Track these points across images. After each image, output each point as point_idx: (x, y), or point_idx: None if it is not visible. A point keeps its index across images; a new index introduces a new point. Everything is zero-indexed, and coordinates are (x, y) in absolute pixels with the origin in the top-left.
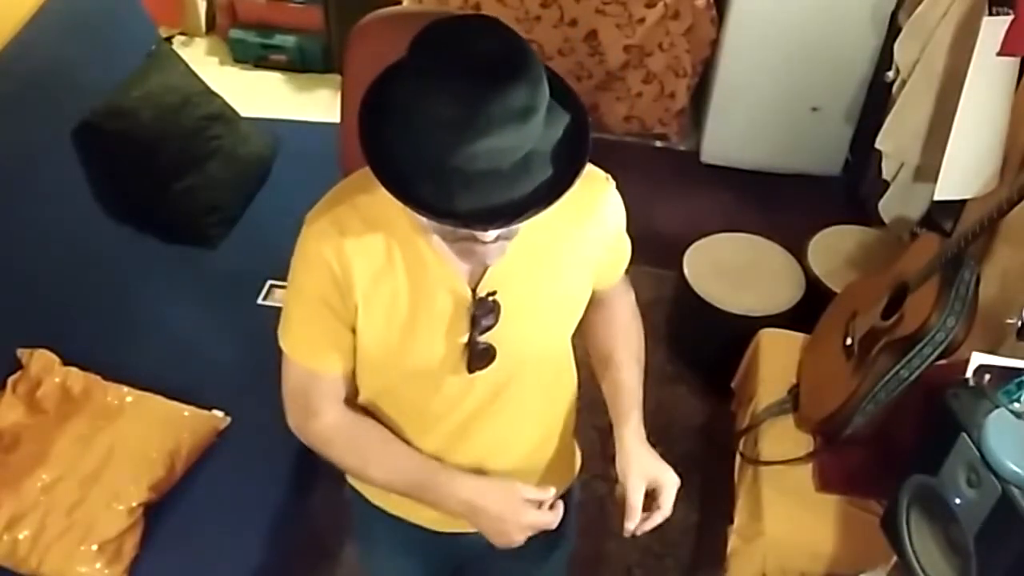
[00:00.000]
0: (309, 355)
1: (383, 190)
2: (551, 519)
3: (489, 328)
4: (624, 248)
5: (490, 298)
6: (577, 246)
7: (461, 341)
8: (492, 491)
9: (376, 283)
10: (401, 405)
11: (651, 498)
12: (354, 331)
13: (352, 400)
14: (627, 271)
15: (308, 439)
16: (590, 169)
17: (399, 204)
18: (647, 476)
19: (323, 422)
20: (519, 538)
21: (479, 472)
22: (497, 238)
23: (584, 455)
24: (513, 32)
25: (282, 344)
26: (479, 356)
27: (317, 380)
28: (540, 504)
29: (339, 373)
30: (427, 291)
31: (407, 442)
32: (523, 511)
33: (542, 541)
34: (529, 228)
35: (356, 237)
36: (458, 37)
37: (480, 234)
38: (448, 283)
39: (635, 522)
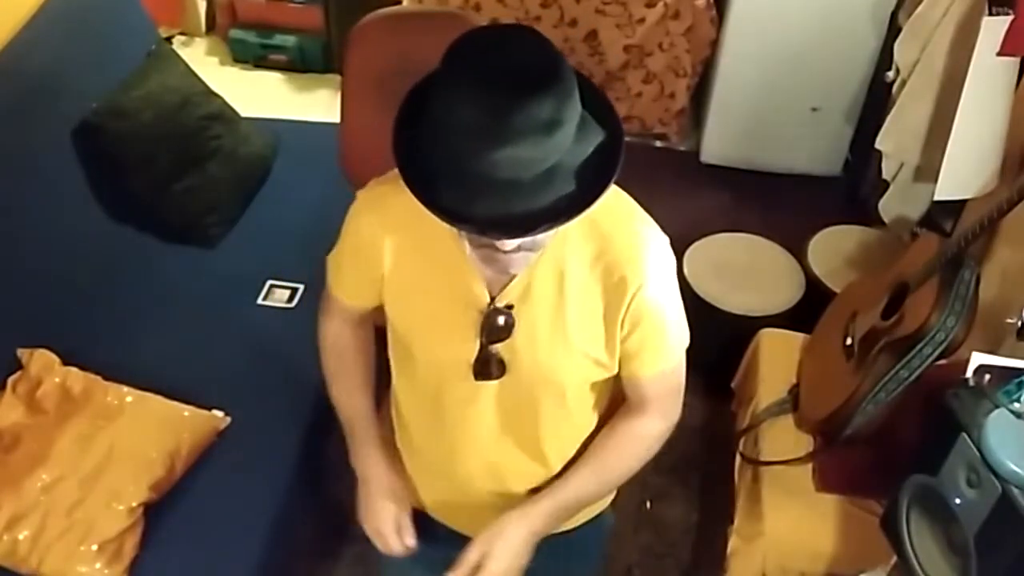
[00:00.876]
0: (333, 276)
1: None
2: (394, 549)
3: (499, 339)
4: (661, 333)
5: (507, 309)
6: (605, 294)
7: (472, 346)
8: (386, 483)
9: (401, 266)
10: (417, 401)
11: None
12: (379, 294)
13: (367, 328)
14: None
15: (319, 329)
16: (642, 223)
17: None
18: (485, 550)
19: (327, 326)
20: (366, 527)
21: (488, 487)
22: (519, 248)
23: None
24: (548, 43)
25: (328, 259)
26: (486, 364)
27: (334, 297)
28: (402, 534)
29: (349, 302)
30: (448, 289)
31: (421, 440)
32: (388, 518)
33: (563, 559)
34: (563, 257)
35: (396, 215)
36: (491, 46)
37: (499, 243)
38: (469, 285)
39: (456, 571)
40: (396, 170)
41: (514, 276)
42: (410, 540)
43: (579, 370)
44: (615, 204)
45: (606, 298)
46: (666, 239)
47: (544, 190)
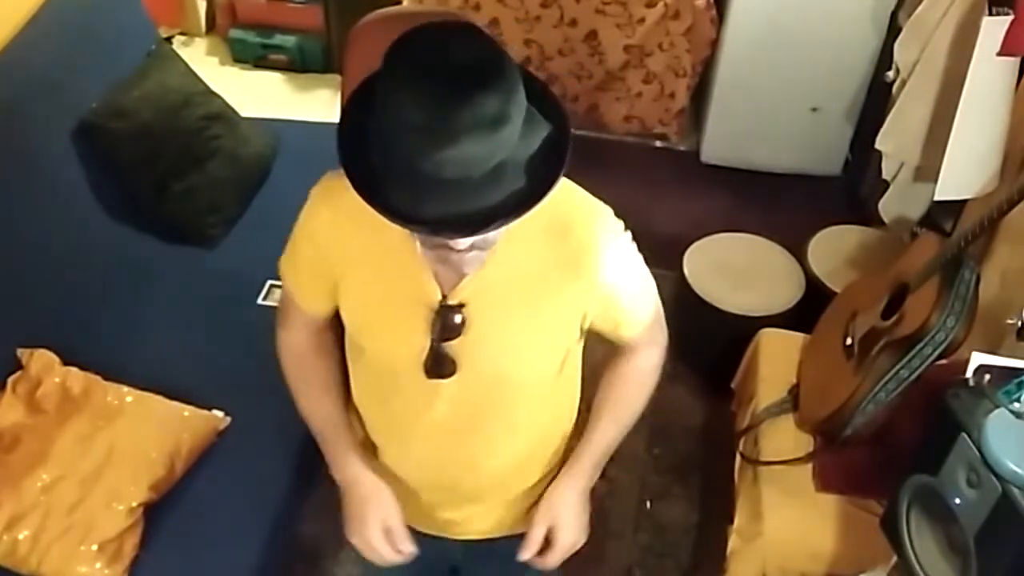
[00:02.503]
0: (291, 279)
1: None
2: (388, 557)
3: (450, 338)
4: (635, 300)
5: (459, 308)
6: (562, 287)
7: (423, 344)
8: (370, 492)
9: (355, 263)
10: (374, 395)
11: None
12: (335, 298)
13: (327, 335)
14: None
15: (277, 344)
16: (589, 205)
17: None
18: (552, 520)
19: (288, 336)
20: (355, 541)
21: (441, 483)
22: (472, 247)
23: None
24: (490, 40)
25: (279, 264)
26: (437, 362)
27: (293, 304)
28: (393, 542)
29: (307, 308)
30: (401, 286)
31: (375, 430)
32: (375, 524)
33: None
34: (517, 253)
35: (347, 213)
36: (433, 44)
37: (452, 242)
38: (420, 283)
39: (527, 553)
40: None
41: (465, 275)
42: (406, 546)
43: (539, 365)
44: (561, 193)
45: (565, 290)
46: (609, 210)
47: (494, 187)
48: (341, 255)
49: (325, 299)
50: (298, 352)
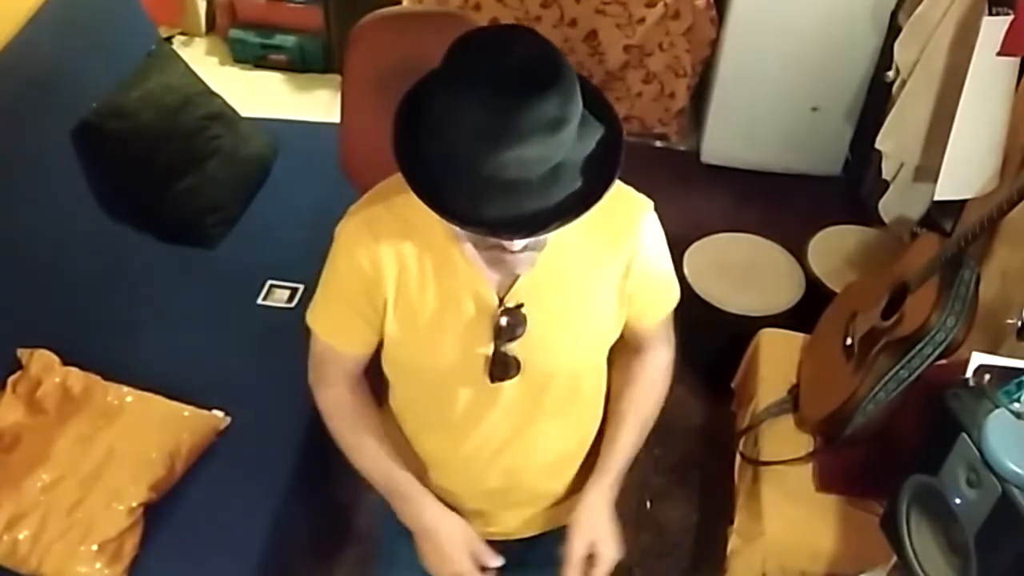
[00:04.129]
0: (327, 330)
1: None
2: None
3: (514, 339)
4: (663, 288)
5: (517, 309)
6: (608, 270)
7: (485, 350)
8: (450, 527)
9: (405, 284)
10: (428, 414)
11: (590, 562)
12: (381, 329)
13: (364, 383)
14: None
15: (318, 402)
16: (632, 194)
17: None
18: (590, 538)
19: (333, 392)
20: (445, 574)
21: (495, 487)
22: (525, 248)
23: None
24: (548, 43)
25: (308, 318)
26: (502, 365)
27: (333, 353)
28: (481, 564)
29: (353, 352)
30: (454, 296)
31: (429, 447)
32: (465, 559)
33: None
34: (562, 246)
35: (388, 238)
36: (492, 46)
37: (508, 243)
38: (476, 290)
39: (573, 571)
40: (376, 188)
41: (518, 276)
42: (494, 561)
43: (592, 355)
44: None
45: (610, 273)
46: (650, 202)
47: (552, 188)
48: (391, 277)
49: (370, 334)
50: (346, 408)
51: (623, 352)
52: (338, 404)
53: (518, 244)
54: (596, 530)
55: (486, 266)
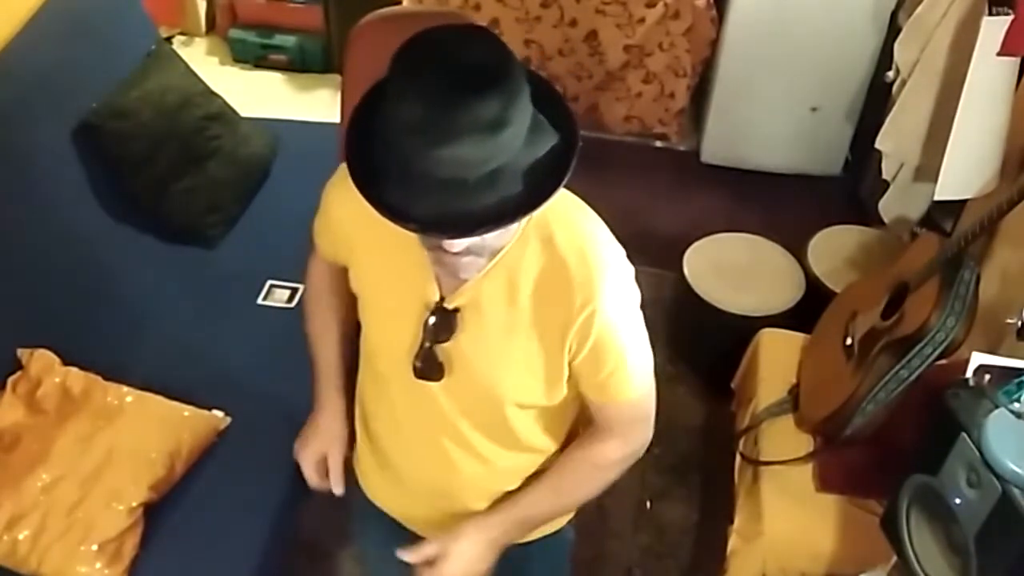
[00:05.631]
0: (317, 228)
1: None
2: (312, 482)
3: (440, 340)
4: (619, 366)
5: (453, 312)
6: (557, 312)
7: (415, 341)
8: (325, 420)
9: (365, 250)
10: (374, 389)
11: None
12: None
13: (342, 277)
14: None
15: (306, 264)
16: (617, 259)
17: None
18: (444, 550)
19: (312, 264)
20: (297, 457)
21: (434, 486)
22: (468, 251)
23: None
24: (500, 44)
25: (323, 193)
26: (426, 362)
27: (315, 241)
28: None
29: (325, 256)
30: (402, 280)
31: (375, 424)
32: (312, 453)
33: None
34: (522, 269)
35: (361, 203)
36: (441, 44)
37: (447, 244)
38: (421, 282)
39: (410, 558)
40: None
41: (466, 280)
42: (336, 487)
43: (519, 387)
44: (577, 223)
45: (556, 317)
46: (630, 269)
47: (488, 191)
48: (354, 236)
49: (338, 258)
50: (315, 282)
51: (583, 432)
52: (313, 276)
53: (457, 245)
54: (451, 550)
55: (433, 264)
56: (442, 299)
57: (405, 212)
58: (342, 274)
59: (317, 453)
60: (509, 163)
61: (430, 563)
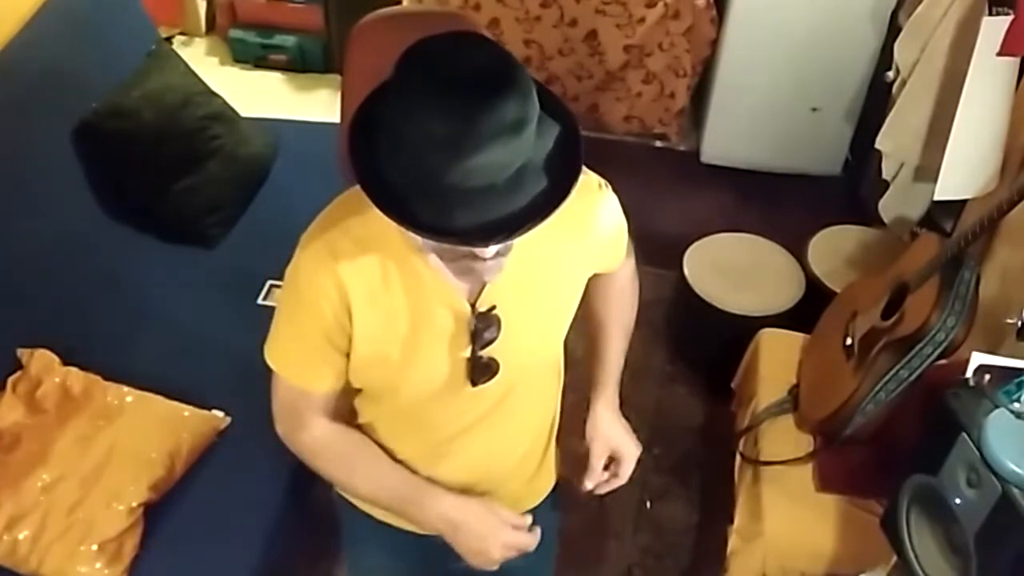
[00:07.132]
0: (299, 373)
1: (375, 210)
2: (530, 541)
3: (491, 342)
4: (622, 241)
5: (491, 312)
6: (573, 257)
7: (463, 356)
8: (473, 509)
9: (373, 304)
10: (404, 424)
11: (613, 465)
12: (348, 355)
13: (343, 412)
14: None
15: (296, 449)
16: (584, 178)
17: (394, 224)
18: (610, 445)
19: (312, 435)
20: (497, 557)
21: (471, 482)
22: (496, 254)
23: (583, 452)
24: (499, 46)
25: (269, 360)
26: (482, 370)
27: (307, 396)
28: (519, 527)
29: (329, 389)
30: (426, 308)
31: (405, 456)
32: (503, 530)
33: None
34: (524, 242)
35: (350, 260)
36: (444, 54)
37: (479, 251)
38: (446, 299)
39: (594, 482)
40: (323, 215)
41: (487, 282)
42: (525, 520)
43: (562, 332)
44: None
45: (574, 260)
46: (602, 182)
47: (519, 190)
48: (359, 299)
49: (344, 364)
50: (328, 445)
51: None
52: (321, 445)
53: (490, 251)
54: (612, 438)
55: (454, 276)
56: (473, 306)
57: (443, 227)
58: (339, 416)
59: (504, 539)
60: (531, 160)
61: (606, 467)
